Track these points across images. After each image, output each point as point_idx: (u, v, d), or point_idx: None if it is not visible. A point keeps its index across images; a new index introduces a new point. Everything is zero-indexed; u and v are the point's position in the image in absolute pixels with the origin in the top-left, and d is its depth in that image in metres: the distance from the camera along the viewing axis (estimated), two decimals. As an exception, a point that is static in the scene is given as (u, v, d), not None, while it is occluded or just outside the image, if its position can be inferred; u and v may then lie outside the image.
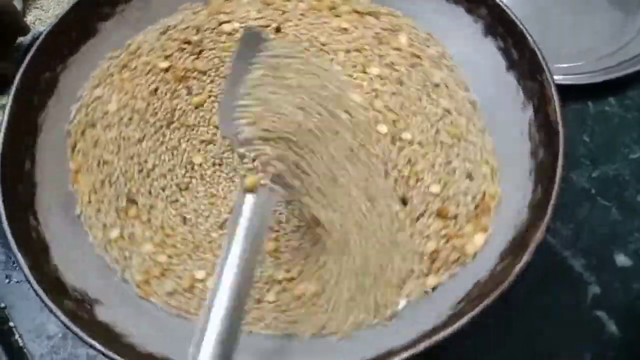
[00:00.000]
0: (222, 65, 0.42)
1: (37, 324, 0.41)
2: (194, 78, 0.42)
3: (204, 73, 0.42)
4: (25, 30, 0.49)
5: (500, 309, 0.38)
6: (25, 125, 0.38)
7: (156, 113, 0.41)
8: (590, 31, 0.54)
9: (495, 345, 0.40)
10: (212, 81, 0.42)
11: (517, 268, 0.32)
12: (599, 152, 0.47)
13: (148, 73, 0.42)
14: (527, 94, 0.39)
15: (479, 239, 0.36)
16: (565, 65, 0.51)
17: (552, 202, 0.33)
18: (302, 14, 0.44)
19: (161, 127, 0.41)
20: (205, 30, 0.43)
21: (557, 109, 0.36)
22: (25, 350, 0.40)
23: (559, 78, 0.48)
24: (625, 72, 0.49)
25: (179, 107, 0.41)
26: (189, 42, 0.43)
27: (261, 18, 0.44)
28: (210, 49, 0.43)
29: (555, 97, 0.36)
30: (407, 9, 0.44)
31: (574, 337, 0.41)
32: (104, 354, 0.31)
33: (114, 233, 0.38)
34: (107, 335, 0.33)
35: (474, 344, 0.40)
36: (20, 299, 0.42)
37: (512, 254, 0.34)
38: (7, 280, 0.43)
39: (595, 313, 0.41)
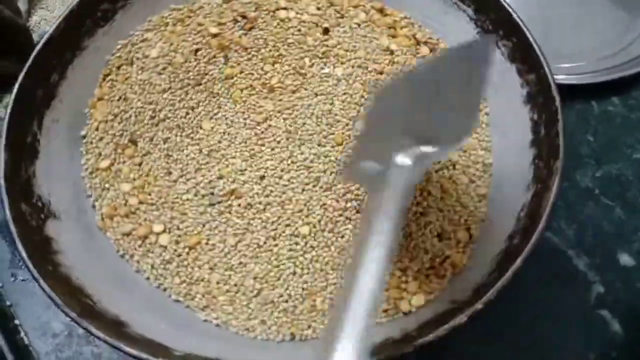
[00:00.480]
0: (265, 47, 0.44)
1: (43, 321, 0.41)
2: (235, 51, 0.44)
3: (246, 49, 0.44)
4: (25, 30, 0.50)
5: (504, 308, 0.38)
6: (70, 42, 0.41)
7: (188, 72, 0.43)
8: (593, 31, 0.54)
9: (499, 343, 0.40)
10: (249, 59, 0.44)
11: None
12: (602, 151, 0.47)
13: (197, 34, 0.44)
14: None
15: (417, 300, 0.36)
16: (568, 65, 0.51)
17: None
18: (357, 24, 0.45)
19: (188, 85, 0.43)
20: (263, 10, 0.45)
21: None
22: (30, 348, 0.40)
23: (561, 77, 0.48)
24: (629, 72, 0.49)
25: (210, 73, 0.43)
26: (244, 17, 0.45)
27: (317, 15, 0.45)
28: (260, 29, 0.45)
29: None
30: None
31: (577, 336, 0.41)
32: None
33: (104, 163, 0.40)
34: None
35: (478, 343, 0.40)
36: (25, 297, 0.42)
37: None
38: (12, 279, 0.43)
39: (599, 312, 0.41)
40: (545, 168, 0.36)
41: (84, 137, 0.41)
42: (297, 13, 0.45)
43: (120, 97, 0.42)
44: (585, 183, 0.46)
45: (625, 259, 0.43)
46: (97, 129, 0.41)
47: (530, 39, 0.38)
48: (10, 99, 0.37)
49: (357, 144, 0.34)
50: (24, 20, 0.52)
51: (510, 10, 0.40)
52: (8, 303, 0.42)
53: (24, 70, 0.38)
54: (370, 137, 0.31)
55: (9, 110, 0.37)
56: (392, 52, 0.44)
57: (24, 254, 0.33)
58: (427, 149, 0.28)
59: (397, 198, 0.26)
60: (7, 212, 0.34)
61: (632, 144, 0.48)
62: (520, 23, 0.39)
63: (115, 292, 0.36)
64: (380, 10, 0.45)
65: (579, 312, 0.42)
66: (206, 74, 0.43)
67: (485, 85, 0.29)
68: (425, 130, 0.29)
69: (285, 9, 0.45)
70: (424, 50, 0.44)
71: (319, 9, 0.45)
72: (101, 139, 0.41)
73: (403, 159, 0.28)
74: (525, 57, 0.39)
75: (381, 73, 0.43)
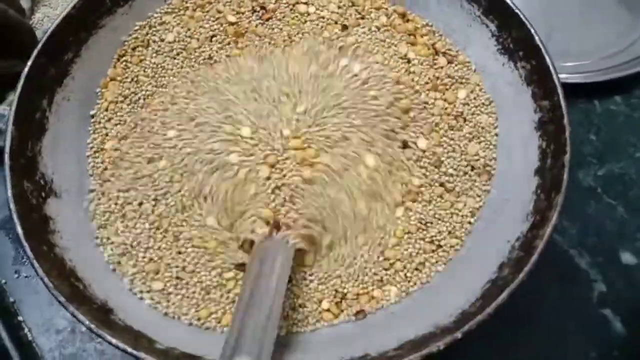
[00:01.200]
0: (279, 34, 0.44)
1: (46, 318, 0.41)
2: (249, 39, 0.44)
3: (259, 37, 0.44)
4: (29, 29, 0.49)
5: (505, 305, 0.38)
6: (88, 21, 0.41)
7: (200, 56, 0.43)
8: (596, 30, 0.54)
9: (500, 341, 0.40)
10: (259, 41, 0.44)
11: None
12: (605, 150, 0.47)
13: (215, 21, 0.44)
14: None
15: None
16: (571, 63, 0.51)
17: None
18: (377, 27, 0.44)
19: (199, 69, 0.43)
20: (283, 3, 0.45)
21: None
22: (34, 344, 0.41)
23: (565, 76, 0.48)
24: (631, 71, 0.50)
25: (219, 54, 0.44)
26: (263, 7, 0.45)
27: (337, 13, 0.45)
28: (278, 19, 0.45)
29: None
30: (484, 65, 0.43)
31: (579, 335, 0.41)
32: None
33: (109, 144, 0.40)
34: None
35: (478, 341, 0.40)
36: (29, 294, 0.42)
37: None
38: (16, 275, 0.43)
39: (601, 311, 0.42)
40: (545, 200, 0.35)
41: (93, 116, 0.41)
42: (317, 9, 0.45)
43: (132, 79, 0.42)
44: (588, 182, 0.46)
45: (628, 258, 0.43)
46: (106, 109, 0.41)
47: (549, 63, 0.38)
48: (22, 75, 0.37)
49: None
50: (27, 18, 0.52)
51: (533, 31, 0.39)
52: (12, 299, 0.42)
53: (39, 46, 0.38)
54: None
55: (20, 86, 0.37)
56: (409, 61, 0.43)
57: (20, 232, 0.33)
58: None
59: None
60: (9, 189, 0.35)
61: (634, 143, 0.48)
62: (542, 46, 0.39)
63: (106, 277, 0.36)
64: (402, 15, 0.45)
65: (581, 310, 0.42)
66: (212, 57, 0.43)
67: None
68: None
69: (305, 3, 0.45)
70: (442, 61, 0.43)
71: (340, 7, 0.45)
72: (109, 119, 0.41)
73: None
74: (542, 82, 0.39)
75: (398, 83, 0.42)
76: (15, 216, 0.34)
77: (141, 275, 0.37)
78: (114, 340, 0.31)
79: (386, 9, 0.45)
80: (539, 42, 0.39)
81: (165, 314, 0.36)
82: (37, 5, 0.54)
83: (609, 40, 0.53)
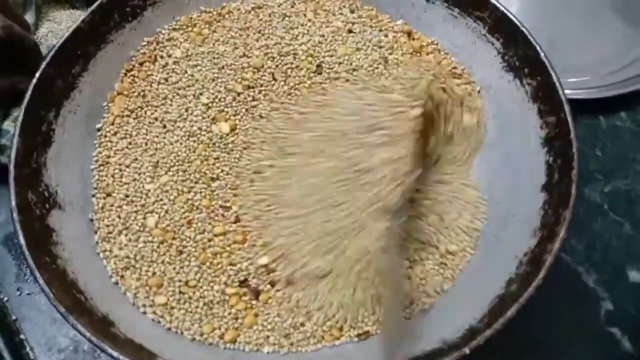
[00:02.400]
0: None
1: (49, 337, 0.41)
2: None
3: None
4: (34, 44, 0.49)
5: (513, 323, 0.38)
6: (97, 35, 0.42)
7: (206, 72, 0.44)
8: (600, 46, 0.54)
9: (507, 358, 0.40)
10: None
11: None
12: (611, 166, 0.47)
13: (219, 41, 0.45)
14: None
15: None
16: (575, 79, 0.51)
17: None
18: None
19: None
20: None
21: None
22: (36, 363, 0.40)
23: (569, 92, 0.47)
24: (636, 87, 0.50)
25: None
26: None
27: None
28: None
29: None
30: (489, 83, 0.43)
31: (587, 353, 0.41)
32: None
33: (114, 159, 0.40)
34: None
35: (485, 357, 0.39)
36: (31, 312, 0.42)
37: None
38: (18, 293, 0.43)
39: (609, 329, 0.41)
40: (553, 215, 0.35)
41: (99, 130, 0.41)
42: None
43: (139, 94, 0.42)
44: (594, 198, 0.46)
45: (635, 275, 0.43)
46: (112, 123, 0.41)
47: (555, 80, 0.38)
48: (30, 86, 0.38)
49: None
50: (32, 33, 0.52)
51: (539, 48, 0.39)
52: (14, 317, 0.42)
53: (47, 58, 0.39)
54: None
55: (27, 97, 0.37)
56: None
57: (23, 242, 0.33)
58: None
59: None
60: (13, 199, 0.35)
61: (640, 160, 0.48)
62: (547, 63, 0.39)
63: (108, 290, 0.36)
64: (408, 34, 0.45)
65: (588, 329, 0.41)
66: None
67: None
68: None
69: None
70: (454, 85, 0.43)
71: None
72: (115, 133, 0.41)
73: None
74: (548, 98, 0.39)
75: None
76: (18, 226, 0.34)
77: (144, 289, 0.37)
78: (115, 353, 0.31)
79: (392, 26, 0.45)
80: (544, 59, 0.39)
81: (169, 329, 0.36)
82: (41, 20, 0.54)
83: (614, 56, 0.53)
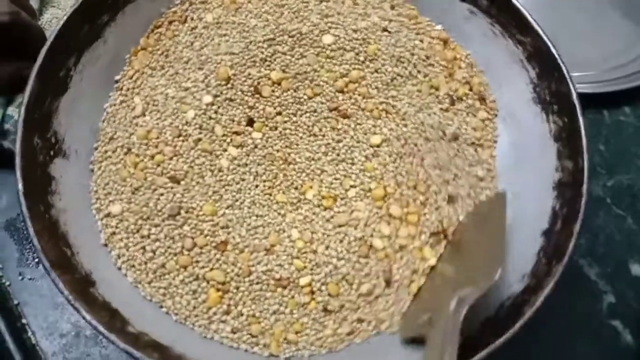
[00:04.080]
0: None
1: (50, 321, 0.41)
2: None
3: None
4: (40, 30, 0.49)
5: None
6: None
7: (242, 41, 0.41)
8: (604, 40, 0.54)
9: (509, 351, 0.40)
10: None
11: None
12: (614, 161, 0.47)
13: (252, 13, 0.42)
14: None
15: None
16: (579, 73, 0.51)
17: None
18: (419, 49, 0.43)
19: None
20: None
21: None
22: (37, 347, 0.40)
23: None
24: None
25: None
26: None
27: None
28: None
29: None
30: (513, 110, 0.41)
31: (588, 346, 0.41)
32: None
33: (124, 112, 0.40)
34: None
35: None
36: (33, 296, 0.42)
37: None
38: (20, 277, 0.42)
39: (610, 322, 0.41)
40: (546, 265, 0.34)
41: (117, 82, 0.41)
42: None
43: (163, 52, 0.41)
44: (597, 192, 0.46)
45: (637, 269, 0.43)
46: (131, 77, 0.41)
47: (582, 125, 0.36)
48: (54, 29, 0.37)
49: (414, 302, 0.36)
50: (36, 19, 0.52)
51: (573, 89, 0.37)
52: (16, 302, 0.41)
53: (76, 5, 0.38)
54: (428, 293, 0.36)
55: (50, 40, 0.37)
56: (437, 98, 0.41)
57: (20, 188, 0.33)
58: (464, 291, 0.32)
59: (453, 340, 0.30)
60: (18, 142, 0.34)
61: (644, 155, 0.48)
62: (578, 106, 0.37)
63: (95, 248, 0.36)
64: (444, 42, 0.43)
65: (590, 322, 0.42)
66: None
67: (505, 233, 0.34)
68: (464, 279, 0.33)
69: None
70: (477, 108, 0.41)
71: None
72: (133, 88, 0.40)
73: (451, 305, 0.32)
74: (571, 141, 0.37)
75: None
76: (19, 172, 0.34)
77: (129, 253, 0.37)
78: (88, 317, 0.31)
79: (430, 32, 0.43)
80: (576, 100, 0.37)
81: (144, 296, 0.36)
82: (45, 6, 0.54)
83: (618, 51, 0.53)
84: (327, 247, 0.37)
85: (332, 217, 0.38)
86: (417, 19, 0.43)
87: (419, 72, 0.41)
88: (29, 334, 0.40)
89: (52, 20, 0.53)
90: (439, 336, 0.31)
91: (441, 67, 0.42)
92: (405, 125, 0.40)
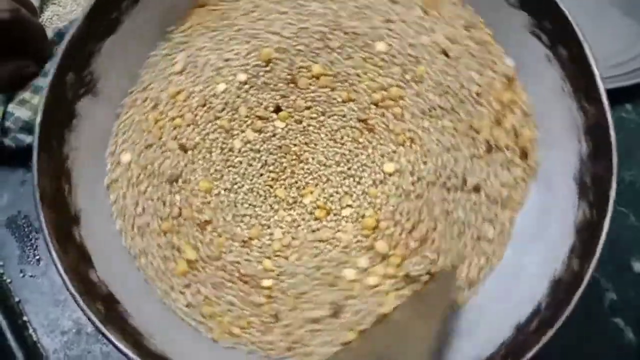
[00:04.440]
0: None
1: (51, 319, 0.41)
2: None
3: None
4: (41, 28, 0.49)
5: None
6: None
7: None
8: (605, 38, 0.54)
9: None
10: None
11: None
12: (615, 158, 0.47)
13: None
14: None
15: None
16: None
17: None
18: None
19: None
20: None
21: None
22: (39, 345, 0.40)
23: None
24: (641, 79, 0.49)
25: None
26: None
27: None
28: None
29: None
30: (549, 177, 0.37)
31: (590, 344, 0.41)
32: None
33: (177, 67, 0.39)
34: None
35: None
36: (34, 294, 0.42)
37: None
38: (21, 275, 0.42)
39: (612, 320, 0.41)
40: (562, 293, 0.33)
41: (168, 33, 0.39)
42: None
43: (220, 14, 0.39)
44: (598, 189, 0.46)
45: (639, 267, 0.43)
46: (183, 32, 0.39)
47: (605, 230, 0.33)
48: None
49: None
50: (37, 16, 0.52)
51: (613, 186, 0.33)
52: (17, 299, 0.41)
53: None
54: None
55: None
56: (473, 141, 0.37)
57: (39, 120, 0.34)
58: None
59: None
60: (51, 76, 0.34)
61: (645, 151, 0.48)
62: (610, 207, 0.33)
63: (94, 188, 0.36)
64: (509, 80, 0.38)
65: (592, 319, 0.41)
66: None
67: (443, 320, 0.32)
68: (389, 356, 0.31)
69: None
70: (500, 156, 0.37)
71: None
72: (181, 43, 0.39)
73: None
74: (589, 238, 0.34)
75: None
76: (43, 102, 0.34)
77: (124, 202, 0.37)
78: (54, 249, 0.32)
79: (495, 66, 0.38)
80: (611, 198, 0.33)
81: (124, 247, 0.36)
82: (46, 3, 0.54)
83: (618, 49, 0.53)
84: (298, 259, 0.36)
85: (318, 229, 0.37)
86: (489, 46, 0.39)
87: (462, 108, 0.37)
88: (30, 331, 0.40)
89: (52, 18, 0.53)
90: None
91: (491, 109, 0.37)
92: (425, 163, 0.36)
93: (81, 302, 0.31)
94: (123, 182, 0.37)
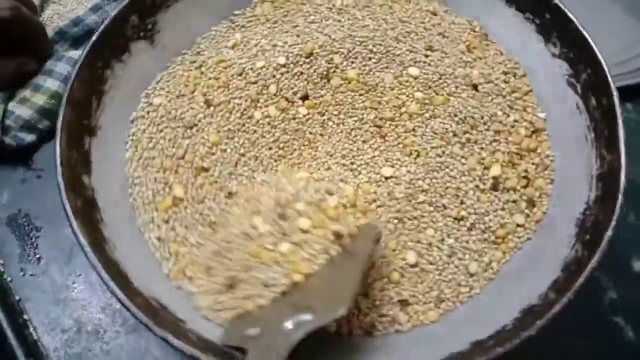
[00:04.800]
0: None
1: (52, 317, 0.41)
2: None
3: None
4: (42, 27, 0.49)
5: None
6: None
7: None
8: (605, 38, 0.54)
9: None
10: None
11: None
12: (616, 157, 0.47)
13: None
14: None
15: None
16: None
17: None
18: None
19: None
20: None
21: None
22: (39, 343, 0.40)
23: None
24: (641, 79, 0.49)
25: None
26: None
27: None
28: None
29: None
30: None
31: (590, 342, 0.41)
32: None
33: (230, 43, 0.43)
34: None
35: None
36: (35, 292, 0.42)
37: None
38: (21, 273, 0.42)
39: (613, 319, 0.41)
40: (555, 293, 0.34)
41: (234, 15, 0.44)
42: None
43: (284, 12, 0.45)
44: (599, 188, 0.46)
45: (639, 265, 0.43)
46: (247, 18, 0.45)
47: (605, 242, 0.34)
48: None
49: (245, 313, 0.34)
50: (38, 15, 0.52)
51: (609, 234, 0.34)
52: (17, 298, 0.41)
53: None
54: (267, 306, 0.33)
55: None
56: (478, 176, 0.39)
57: (94, 39, 0.39)
58: (306, 317, 0.31)
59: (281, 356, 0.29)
60: (117, 10, 0.40)
61: (645, 150, 0.48)
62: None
63: (111, 165, 0.39)
64: (535, 132, 0.40)
65: (592, 318, 0.41)
66: None
67: (364, 271, 0.33)
68: (309, 304, 0.31)
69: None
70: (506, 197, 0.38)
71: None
72: (242, 26, 0.44)
73: (286, 325, 0.31)
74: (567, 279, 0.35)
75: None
76: (76, 69, 0.38)
77: (141, 135, 0.40)
78: (59, 155, 0.35)
79: (528, 114, 0.40)
80: (608, 234, 0.34)
81: (125, 173, 0.39)
82: (47, 2, 0.54)
83: (619, 48, 0.53)
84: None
85: None
86: (523, 94, 0.41)
87: (476, 142, 0.39)
88: (31, 329, 0.40)
89: (53, 17, 0.53)
90: (260, 353, 0.30)
91: (508, 151, 0.39)
92: (422, 179, 0.38)
93: (63, 191, 0.34)
94: (147, 120, 0.41)
